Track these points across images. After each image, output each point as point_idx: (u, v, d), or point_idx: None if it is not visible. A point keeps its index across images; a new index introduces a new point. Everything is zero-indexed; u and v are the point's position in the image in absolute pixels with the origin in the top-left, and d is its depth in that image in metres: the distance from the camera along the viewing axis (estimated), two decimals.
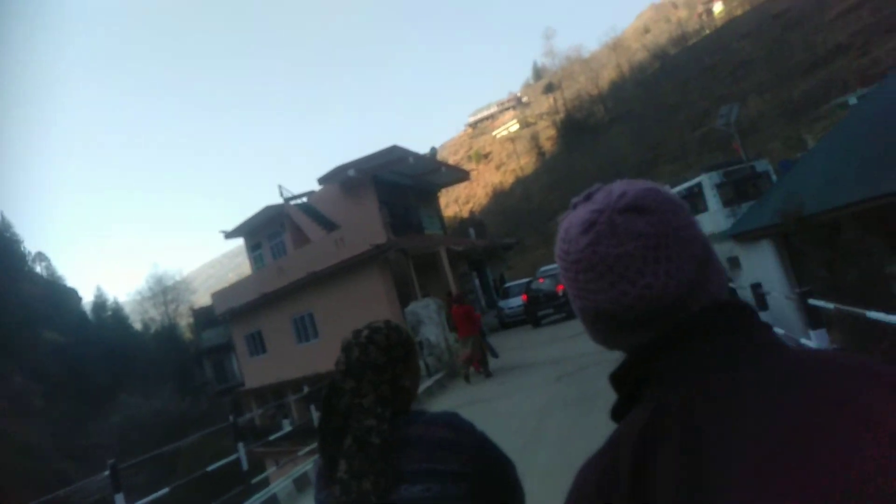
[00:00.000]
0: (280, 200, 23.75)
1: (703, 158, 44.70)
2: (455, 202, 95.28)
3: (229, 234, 25.43)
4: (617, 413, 0.70)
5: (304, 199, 24.01)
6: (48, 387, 49.05)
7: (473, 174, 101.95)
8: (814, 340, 4.12)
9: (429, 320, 12.17)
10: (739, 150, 19.54)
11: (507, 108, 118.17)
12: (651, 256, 0.66)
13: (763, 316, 5.98)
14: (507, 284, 24.61)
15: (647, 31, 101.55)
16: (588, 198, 0.74)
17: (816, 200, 9.52)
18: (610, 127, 74.66)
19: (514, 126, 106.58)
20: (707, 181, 19.39)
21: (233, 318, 24.63)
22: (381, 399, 1.35)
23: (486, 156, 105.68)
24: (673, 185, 22.22)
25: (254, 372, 24.47)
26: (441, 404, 9.91)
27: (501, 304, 22.47)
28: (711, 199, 19.19)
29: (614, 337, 0.72)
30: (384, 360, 1.39)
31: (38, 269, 70.15)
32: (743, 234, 12.24)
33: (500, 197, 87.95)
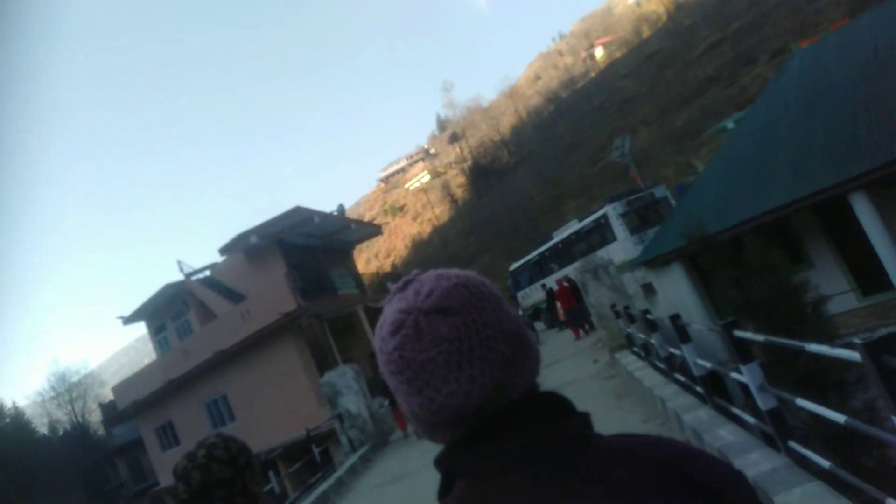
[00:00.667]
0: (181, 277, 22.18)
1: (605, 190, 46.66)
2: (376, 257, 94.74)
3: (128, 320, 23.39)
4: (440, 496, 0.71)
5: (207, 273, 22.55)
6: None
7: (391, 227, 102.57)
8: (746, 376, 3.78)
9: (347, 389, 11.28)
10: (637, 179, 20.26)
11: (417, 161, 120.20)
12: (454, 362, 0.66)
13: (685, 348, 5.73)
14: None
15: (538, 78, 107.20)
16: (405, 287, 0.73)
17: (716, 220, 9.69)
18: (515, 169, 77.18)
19: (425, 177, 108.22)
20: (611, 212, 19.89)
21: (139, 410, 22.40)
22: None
23: (401, 208, 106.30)
24: (580, 220, 22.73)
25: (168, 467, 22.14)
26: (366, 482, 9.02)
27: None
28: (618, 228, 19.65)
29: (432, 433, 0.72)
30: (231, 472, 1.38)
31: None
32: (653, 261, 12.34)
33: (419, 247, 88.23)
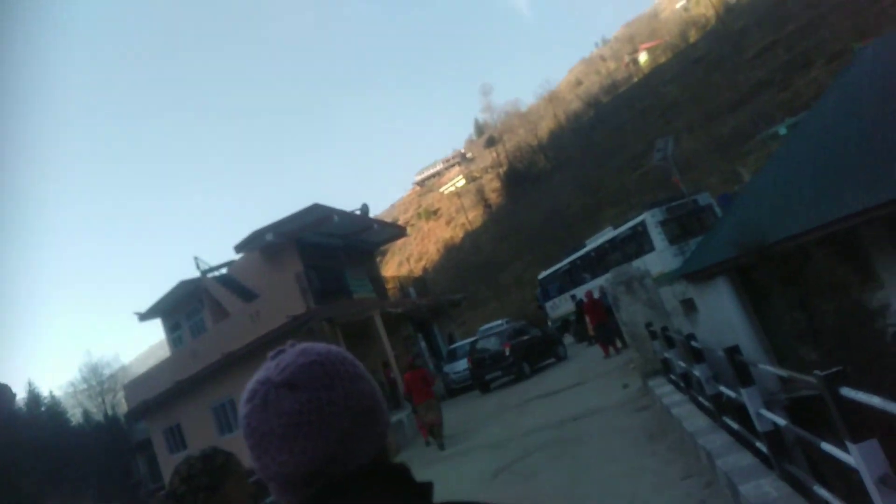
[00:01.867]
0: (197, 274, 21.51)
1: (644, 198, 44.67)
2: (407, 261, 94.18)
3: (144, 316, 22.86)
4: None
5: (224, 271, 21.84)
6: None
7: (424, 231, 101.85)
8: (857, 458, 2.46)
9: None
10: (680, 185, 18.67)
11: (453, 165, 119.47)
12: (290, 435, 0.72)
13: (747, 393, 4.31)
14: (453, 346, 22.71)
15: (579, 83, 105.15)
16: (276, 356, 0.79)
17: (775, 228, 8.25)
18: (552, 175, 75.43)
19: (460, 181, 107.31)
20: (650, 219, 18.36)
21: (148, 410, 21.79)
22: None
23: (435, 212, 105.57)
24: (615, 227, 21.25)
25: None
26: None
27: (447, 368, 20.53)
28: (656, 237, 18.11)
29: (277, 495, 0.77)
30: (183, 489, 1.52)
31: None
32: (696, 273, 10.88)
33: (451, 252, 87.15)
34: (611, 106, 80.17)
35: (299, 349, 0.78)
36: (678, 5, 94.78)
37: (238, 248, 19.37)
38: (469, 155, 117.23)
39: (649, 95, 71.52)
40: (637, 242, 18.88)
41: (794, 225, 9.07)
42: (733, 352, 3.97)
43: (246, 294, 19.91)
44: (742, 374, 3.87)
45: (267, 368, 0.77)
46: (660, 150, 18.45)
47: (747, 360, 4.01)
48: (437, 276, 79.58)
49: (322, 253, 20.70)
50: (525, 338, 17.69)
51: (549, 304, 24.84)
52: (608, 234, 20.80)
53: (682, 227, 18.39)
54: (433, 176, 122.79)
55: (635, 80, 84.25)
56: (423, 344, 24.82)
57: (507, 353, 16.71)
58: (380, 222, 22.98)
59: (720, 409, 5.14)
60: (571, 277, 23.10)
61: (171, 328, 23.13)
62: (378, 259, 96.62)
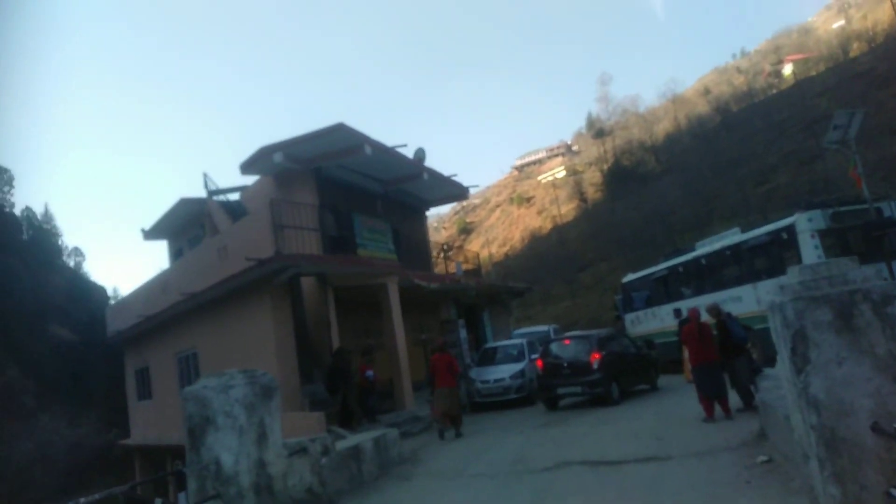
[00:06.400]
0: (204, 193, 17.77)
1: (768, 218, 37.29)
2: (489, 244, 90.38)
3: (148, 234, 19.57)
4: None
5: (237, 196, 17.97)
6: (43, 386, 42.81)
7: (514, 217, 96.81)
8: None
9: (226, 420, 5.66)
10: (860, 182, 12.56)
11: (556, 155, 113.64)
12: None
13: None
14: (488, 345, 17.81)
15: (708, 92, 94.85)
16: None
17: None
18: (661, 177, 67.79)
19: (560, 172, 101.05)
20: (804, 224, 12.40)
21: (124, 343, 18.53)
22: None
23: (528, 199, 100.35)
24: (744, 230, 15.47)
25: (141, 421, 18.16)
26: None
27: (473, 373, 15.71)
28: (809, 250, 12.17)
29: None
30: None
31: (71, 263, 64.88)
32: None
33: (535, 242, 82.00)
34: (742, 114, 70.98)
35: None
36: (835, 24, 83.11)
37: (244, 169, 15.23)
38: (575, 147, 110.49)
39: (791, 107, 62.03)
40: (775, 255, 13.08)
41: None
42: None
43: None
44: None
45: None
46: (840, 126, 12.46)
47: None
48: (516, 263, 74.44)
49: (352, 196, 16.33)
50: (617, 350, 13.09)
51: (629, 317, 19.30)
52: (732, 236, 15.02)
53: (846, 243, 12.41)
54: (534, 163, 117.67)
55: (774, 91, 74.36)
56: (463, 333, 20.06)
57: (595, 367, 12.15)
58: (433, 173, 18.13)
59: None
60: (667, 288, 17.46)
61: (175, 253, 19.73)
62: (462, 237, 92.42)
